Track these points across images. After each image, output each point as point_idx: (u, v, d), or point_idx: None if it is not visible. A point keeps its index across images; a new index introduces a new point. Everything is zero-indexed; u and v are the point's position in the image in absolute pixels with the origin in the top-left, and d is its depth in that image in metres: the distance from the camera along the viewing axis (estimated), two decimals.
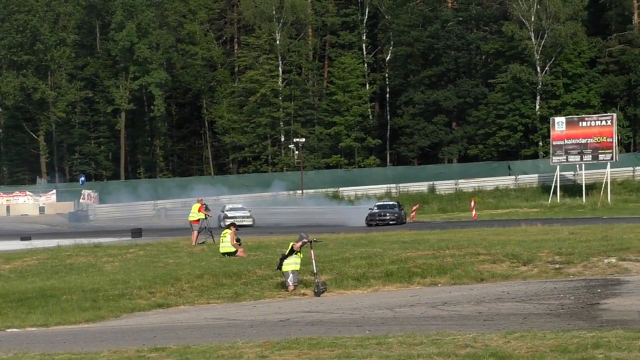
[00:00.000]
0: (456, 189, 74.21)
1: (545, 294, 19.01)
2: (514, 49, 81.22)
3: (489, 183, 74.25)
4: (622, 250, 24.04)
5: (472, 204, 59.23)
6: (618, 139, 68.48)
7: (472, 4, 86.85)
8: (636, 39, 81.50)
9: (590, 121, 65.74)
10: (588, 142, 64.86)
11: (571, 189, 68.37)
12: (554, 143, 66.44)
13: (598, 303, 17.34)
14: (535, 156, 79.92)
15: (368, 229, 44.82)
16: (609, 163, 65.08)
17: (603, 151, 64.59)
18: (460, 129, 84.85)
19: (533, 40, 79.40)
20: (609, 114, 68.28)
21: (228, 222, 38.03)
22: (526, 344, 11.79)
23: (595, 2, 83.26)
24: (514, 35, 79.76)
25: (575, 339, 11.89)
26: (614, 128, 65.00)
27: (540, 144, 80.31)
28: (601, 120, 65.43)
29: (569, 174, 69.75)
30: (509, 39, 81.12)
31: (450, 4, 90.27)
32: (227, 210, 57.06)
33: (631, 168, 71.42)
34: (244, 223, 52.32)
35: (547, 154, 73.14)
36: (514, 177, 74.54)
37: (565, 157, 65.94)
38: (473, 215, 56.53)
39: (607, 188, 64.42)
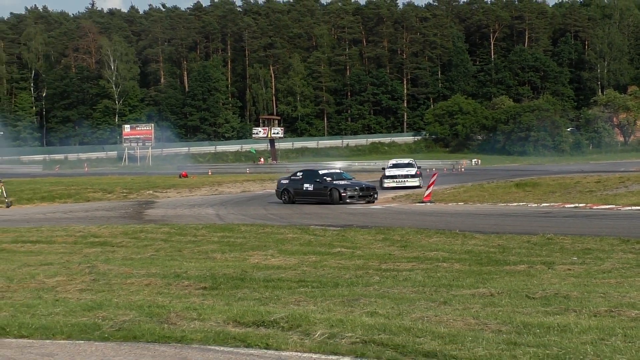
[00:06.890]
0: None
1: (119, 208, 34.27)
2: None
3: None
4: (154, 187, 40.58)
5: None
6: None
7: None
8: None
9: None
10: None
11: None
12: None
13: (143, 212, 31.73)
14: None
15: None
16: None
17: None
18: None
19: None
20: None
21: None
22: (108, 230, 24.17)
23: None
24: None
25: (131, 227, 24.60)
26: None
27: None
28: None
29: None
30: None
31: None
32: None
33: None
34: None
35: None
36: None
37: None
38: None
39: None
